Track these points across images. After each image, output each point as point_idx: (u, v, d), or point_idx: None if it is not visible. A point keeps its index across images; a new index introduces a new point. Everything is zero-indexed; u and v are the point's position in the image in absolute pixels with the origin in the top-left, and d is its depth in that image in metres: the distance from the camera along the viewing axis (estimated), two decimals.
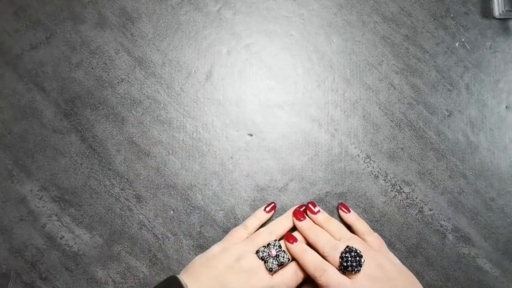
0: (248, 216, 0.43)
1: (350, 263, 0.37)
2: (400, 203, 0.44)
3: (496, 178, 0.45)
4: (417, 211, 0.44)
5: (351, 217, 0.43)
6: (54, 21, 0.47)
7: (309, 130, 0.46)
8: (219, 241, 0.43)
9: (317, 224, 0.42)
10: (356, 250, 0.38)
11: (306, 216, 0.42)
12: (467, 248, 0.44)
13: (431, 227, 0.44)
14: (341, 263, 0.37)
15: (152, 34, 0.47)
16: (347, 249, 0.38)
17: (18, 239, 0.42)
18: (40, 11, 0.47)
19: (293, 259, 0.40)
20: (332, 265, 0.38)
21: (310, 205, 0.43)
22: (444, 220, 0.44)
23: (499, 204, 0.45)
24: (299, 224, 0.42)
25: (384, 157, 0.45)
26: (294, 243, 0.40)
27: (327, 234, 0.40)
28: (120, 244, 0.43)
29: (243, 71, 0.47)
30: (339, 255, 0.38)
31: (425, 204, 0.44)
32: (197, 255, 0.42)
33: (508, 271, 0.43)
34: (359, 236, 0.41)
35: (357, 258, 0.37)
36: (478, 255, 0.44)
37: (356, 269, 0.37)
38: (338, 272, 0.37)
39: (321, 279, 0.37)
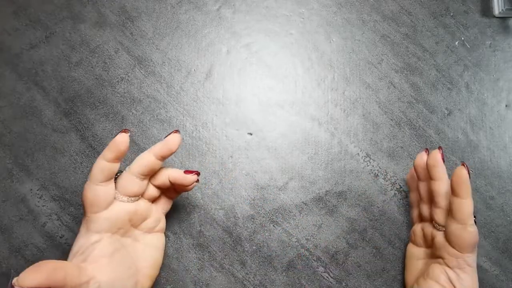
0: (248, 215, 0.43)
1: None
2: (400, 201, 0.44)
3: (495, 176, 0.45)
4: None
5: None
6: (53, 20, 0.46)
7: (309, 129, 0.46)
8: (219, 240, 0.43)
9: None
10: None
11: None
12: None
13: None
14: None
15: (151, 33, 0.47)
16: None
17: (18, 238, 0.42)
18: (40, 10, 0.47)
19: None
20: None
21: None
22: None
23: (499, 203, 0.45)
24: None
25: (383, 156, 0.45)
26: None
27: None
28: None
29: (243, 70, 0.47)
30: None
31: None
32: (196, 255, 0.42)
33: (508, 270, 0.43)
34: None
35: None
36: (478, 254, 0.44)
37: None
38: None
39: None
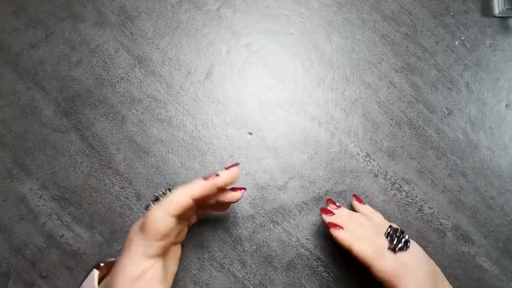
0: (248, 215, 0.43)
1: (399, 240, 0.37)
2: (400, 201, 0.44)
3: (495, 176, 0.45)
4: (416, 210, 0.44)
5: (367, 209, 0.41)
6: (53, 19, 0.46)
7: (309, 129, 0.46)
8: (219, 239, 0.43)
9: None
10: (398, 228, 0.38)
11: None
12: (466, 246, 0.44)
13: (431, 226, 0.44)
14: (391, 242, 0.36)
15: (151, 33, 0.47)
16: (389, 229, 0.37)
17: (18, 237, 0.42)
18: (40, 9, 0.47)
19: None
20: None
21: (330, 204, 0.41)
22: (444, 219, 0.44)
23: (499, 203, 0.45)
24: (330, 219, 0.40)
25: (383, 156, 0.45)
26: (340, 229, 0.37)
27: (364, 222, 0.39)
28: (120, 243, 0.43)
29: (243, 70, 0.47)
30: (383, 237, 0.37)
31: (425, 203, 0.44)
32: (196, 254, 0.42)
33: (508, 269, 0.43)
34: None
35: (402, 235, 0.37)
36: (478, 253, 0.44)
37: (406, 246, 0.36)
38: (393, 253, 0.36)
39: (380, 263, 0.35)
